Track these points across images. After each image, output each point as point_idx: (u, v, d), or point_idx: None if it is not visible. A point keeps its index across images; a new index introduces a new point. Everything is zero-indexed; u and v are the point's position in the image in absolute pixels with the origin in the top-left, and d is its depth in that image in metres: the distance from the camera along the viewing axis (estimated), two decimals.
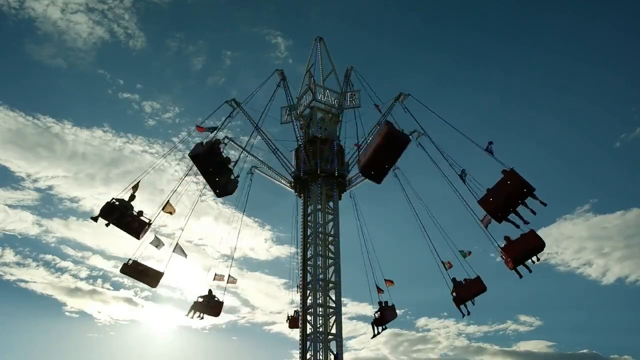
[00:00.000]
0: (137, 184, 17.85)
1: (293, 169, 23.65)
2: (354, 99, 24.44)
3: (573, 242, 58.15)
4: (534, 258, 16.44)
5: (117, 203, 17.27)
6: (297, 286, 22.11)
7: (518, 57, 65.01)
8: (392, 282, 22.15)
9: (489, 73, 68.64)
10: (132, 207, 17.54)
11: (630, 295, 56.61)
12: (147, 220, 17.80)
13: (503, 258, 16.89)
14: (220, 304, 20.75)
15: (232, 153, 23.90)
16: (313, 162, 22.86)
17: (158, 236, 18.78)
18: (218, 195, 17.42)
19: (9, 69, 55.78)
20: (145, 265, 18.55)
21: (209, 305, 20.42)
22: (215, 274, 21.25)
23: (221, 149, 16.99)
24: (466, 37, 69.00)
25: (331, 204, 22.99)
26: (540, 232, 16.34)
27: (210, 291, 20.82)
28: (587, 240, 57.12)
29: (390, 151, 15.35)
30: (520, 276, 16.77)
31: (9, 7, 50.70)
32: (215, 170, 16.73)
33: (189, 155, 16.85)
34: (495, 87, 67.61)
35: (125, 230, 17.50)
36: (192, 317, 20.37)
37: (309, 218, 22.55)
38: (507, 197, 15.52)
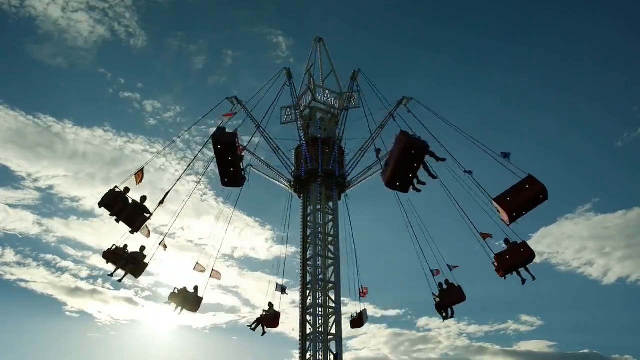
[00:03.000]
0: (142, 169, 17.64)
1: (293, 169, 23.67)
2: (353, 100, 24.45)
3: (574, 242, 58.15)
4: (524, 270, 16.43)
5: (118, 191, 16.85)
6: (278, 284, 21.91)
7: (518, 57, 64.96)
8: (438, 271, 20.26)
9: (489, 73, 68.60)
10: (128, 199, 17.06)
11: (632, 295, 56.56)
12: (148, 214, 17.22)
13: (495, 265, 16.76)
14: (278, 315, 21.23)
15: None
16: (313, 162, 22.86)
17: (200, 264, 19.30)
18: (226, 184, 17.22)
19: (10, 68, 55.81)
20: (190, 292, 18.88)
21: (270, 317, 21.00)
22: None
23: (237, 144, 16.86)
24: (466, 37, 69.01)
25: (331, 204, 23.03)
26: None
27: (196, 288, 19.96)
28: (588, 239, 57.09)
29: (412, 160, 15.18)
30: (523, 282, 16.64)
31: (10, 6, 50.75)
32: (232, 159, 16.51)
33: (212, 137, 16.46)
34: (495, 87, 67.58)
35: (125, 222, 16.86)
36: (254, 330, 21.11)
37: (308, 218, 22.59)
38: (526, 201, 15.22)
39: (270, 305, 21.44)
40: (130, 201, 16.77)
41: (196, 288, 19.38)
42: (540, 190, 15.10)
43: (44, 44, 54.51)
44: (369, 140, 22.78)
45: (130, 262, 17.31)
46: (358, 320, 22.36)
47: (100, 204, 16.42)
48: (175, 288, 18.99)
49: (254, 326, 21.22)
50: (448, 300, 19.16)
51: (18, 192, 51.13)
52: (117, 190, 16.64)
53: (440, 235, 20.69)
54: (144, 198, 17.13)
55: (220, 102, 21.51)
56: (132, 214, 16.71)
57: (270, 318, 21.11)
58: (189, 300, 18.98)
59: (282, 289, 21.79)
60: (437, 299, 19.38)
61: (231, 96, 21.79)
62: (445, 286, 19.46)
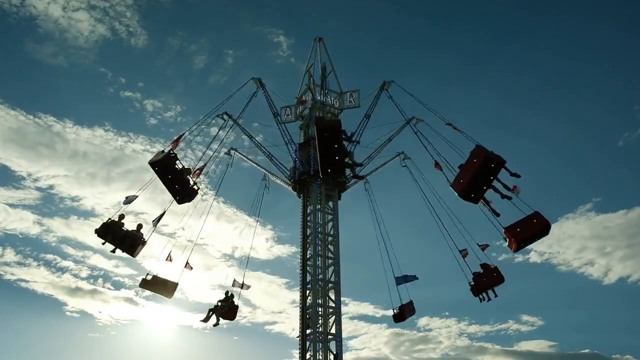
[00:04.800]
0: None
1: (291, 170, 23.65)
2: (353, 99, 24.46)
3: (575, 242, 58.01)
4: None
5: (109, 222, 17.39)
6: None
7: (519, 57, 64.83)
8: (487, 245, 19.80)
9: (489, 73, 68.50)
10: (122, 225, 17.64)
11: (632, 295, 56.43)
12: (144, 240, 17.87)
13: (506, 239, 16.82)
14: (236, 308, 20.63)
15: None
16: (312, 162, 22.85)
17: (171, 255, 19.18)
18: (178, 202, 17.43)
19: (10, 67, 55.73)
20: (163, 278, 18.78)
21: (224, 309, 20.35)
22: (235, 280, 20.92)
23: (176, 163, 16.84)
24: (466, 37, 68.90)
25: (330, 203, 23.02)
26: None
27: (227, 293, 20.56)
28: (589, 239, 56.98)
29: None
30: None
31: (10, 5, 50.73)
32: (173, 178, 16.73)
33: (148, 162, 16.68)
34: (495, 87, 67.48)
35: (121, 249, 17.50)
36: (206, 322, 20.14)
37: (308, 218, 22.59)
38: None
39: (226, 294, 20.39)
40: (124, 231, 17.43)
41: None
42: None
43: (45, 43, 54.49)
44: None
45: (126, 240, 17.44)
46: (399, 315, 21.87)
47: (97, 233, 17.10)
48: (147, 274, 18.79)
49: (204, 317, 19.99)
50: (483, 284, 18.93)
51: (18, 192, 51.15)
52: (110, 221, 17.34)
53: (440, 235, 20.70)
54: (139, 226, 17.89)
55: (211, 119, 21.02)
56: (128, 241, 17.43)
57: (226, 310, 20.15)
58: (163, 285, 18.90)
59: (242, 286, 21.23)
60: (472, 283, 19.27)
61: (222, 112, 21.34)
62: (481, 270, 19.19)
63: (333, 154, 16.33)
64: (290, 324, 55.19)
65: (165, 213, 18.34)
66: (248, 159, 23.61)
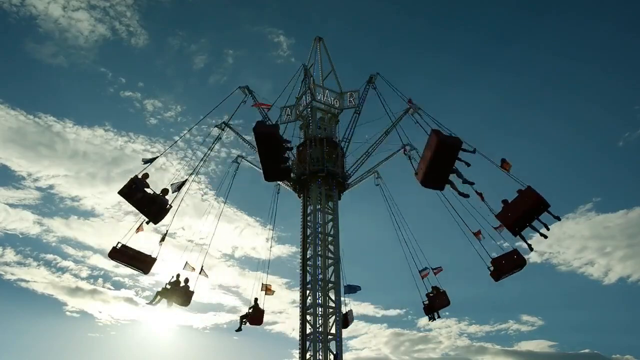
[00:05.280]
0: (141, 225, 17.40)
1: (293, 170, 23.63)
2: (353, 99, 24.45)
3: (575, 242, 58.13)
4: (544, 232, 15.84)
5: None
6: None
7: (519, 57, 64.98)
8: (440, 268, 22.03)
9: (489, 73, 68.65)
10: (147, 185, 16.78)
11: (632, 295, 56.59)
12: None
13: (490, 270, 17.63)
14: (262, 312, 21.13)
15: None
16: (312, 162, 22.84)
17: (189, 263, 19.19)
18: (270, 178, 16.37)
19: (10, 67, 55.87)
20: (136, 250, 17.61)
21: (254, 316, 20.89)
22: (187, 263, 19.50)
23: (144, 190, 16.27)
24: (467, 38, 69.00)
25: (331, 203, 23.00)
26: (542, 231, 16.01)
27: (256, 300, 21.26)
28: (589, 239, 57.09)
29: (445, 158, 15.12)
30: (530, 247, 16.65)
31: (10, 5, 50.76)
32: (276, 153, 15.43)
33: (253, 130, 15.32)
34: (495, 87, 67.57)
35: (145, 212, 16.78)
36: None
37: (308, 218, 22.56)
38: (525, 213, 15.52)
39: (256, 301, 21.33)
40: (150, 192, 16.53)
41: (187, 280, 19.11)
42: (536, 201, 15.38)
43: (45, 43, 54.60)
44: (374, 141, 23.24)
45: (153, 203, 16.33)
46: (344, 322, 22.15)
47: (120, 193, 16.17)
48: (167, 283, 18.65)
49: (241, 325, 20.88)
50: (436, 305, 21.50)
51: (18, 192, 51.26)
52: (136, 177, 16.34)
53: (441, 235, 20.79)
54: (165, 190, 16.99)
55: (233, 91, 22.28)
56: (155, 205, 16.54)
57: (255, 315, 21.02)
58: (180, 294, 18.69)
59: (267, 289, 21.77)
60: (427, 303, 21.57)
61: (243, 85, 22.51)
62: (432, 292, 21.62)
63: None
64: (290, 324, 55.31)
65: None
66: (253, 164, 23.52)
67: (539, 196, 15.26)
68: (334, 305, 21.04)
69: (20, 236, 52.80)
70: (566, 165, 63.40)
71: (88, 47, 55.99)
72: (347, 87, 25.34)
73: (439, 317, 21.96)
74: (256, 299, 21.35)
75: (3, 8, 50.70)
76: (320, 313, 20.67)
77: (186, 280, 19.10)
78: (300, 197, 23.49)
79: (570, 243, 57.90)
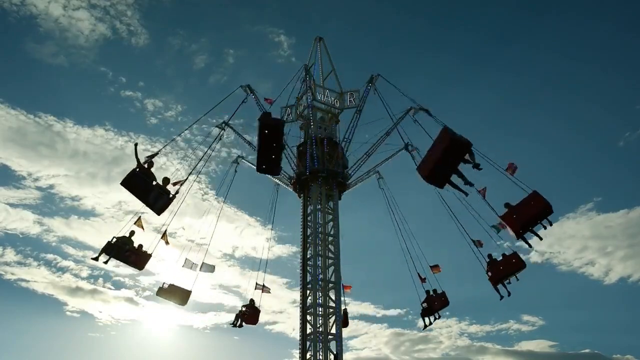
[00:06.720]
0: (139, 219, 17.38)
1: (293, 169, 23.63)
2: (353, 99, 24.45)
3: (575, 241, 58.05)
4: (546, 224, 15.60)
5: (115, 241, 16.92)
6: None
7: (519, 57, 64.91)
8: (438, 267, 21.68)
9: (489, 73, 68.59)
10: (132, 242, 17.23)
11: (633, 294, 56.52)
12: (149, 253, 17.55)
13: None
14: (258, 312, 21.60)
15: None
16: (312, 162, 22.84)
17: (190, 259, 19.42)
18: (263, 170, 16.16)
19: (10, 67, 55.81)
20: (179, 287, 18.90)
21: (250, 313, 21.36)
22: (257, 284, 21.83)
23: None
24: (466, 37, 68.94)
25: (331, 203, 22.99)
26: (542, 231, 15.74)
27: (252, 300, 21.70)
28: (589, 239, 57.02)
29: (453, 157, 14.87)
30: (530, 245, 16.36)
31: (10, 4, 50.72)
32: (275, 147, 15.49)
33: (259, 119, 15.45)
34: (495, 87, 67.52)
35: (126, 264, 17.25)
36: (235, 325, 21.28)
37: (308, 218, 22.56)
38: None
39: (252, 301, 21.60)
40: (127, 247, 16.98)
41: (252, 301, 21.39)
42: (544, 206, 15.30)
43: (45, 43, 54.54)
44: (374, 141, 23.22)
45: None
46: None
47: (97, 258, 16.70)
48: (164, 283, 18.97)
49: (236, 322, 21.23)
50: (436, 307, 21.01)
51: (19, 192, 51.22)
52: (114, 240, 16.83)
53: (441, 235, 20.79)
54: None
55: (234, 90, 21.84)
56: (129, 257, 17.03)
57: (250, 314, 21.26)
58: (177, 294, 19.09)
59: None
60: (425, 305, 21.08)
61: (245, 84, 22.20)
62: (431, 293, 21.12)
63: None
64: (290, 324, 55.31)
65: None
66: (253, 164, 23.26)
67: (546, 202, 15.17)
68: (334, 305, 21.04)
69: (21, 236, 52.84)
70: (566, 165, 63.41)
71: (88, 46, 56.00)
72: (348, 87, 25.38)
73: (438, 317, 21.37)
74: (252, 300, 21.60)
75: (3, 7, 50.71)
76: (320, 313, 20.68)
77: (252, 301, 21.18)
78: (300, 197, 23.50)
79: (570, 243, 57.91)
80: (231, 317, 21.92)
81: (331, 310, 20.97)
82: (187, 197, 19.38)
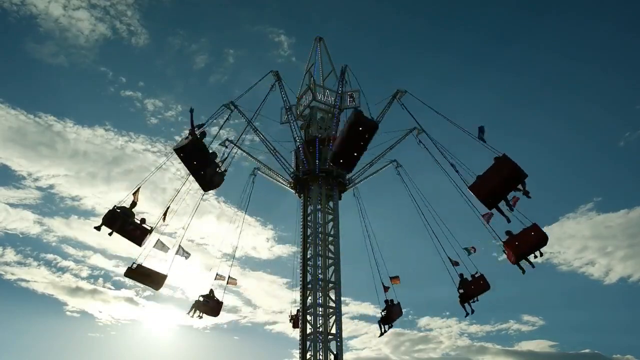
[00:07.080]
0: (138, 189, 17.77)
1: (293, 169, 23.64)
2: (353, 99, 24.42)
3: (576, 241, 58.09)
4: (537, 253, 16.28)
5: (119, 211, 17.18)
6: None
7: (519, 57, 64.96)
8: (397, 279, 22.25)
9: (489, 73, 68.62)
10: (133, 215, 17.49)
11: (633, 294, 56.58)
12: (149, 228, 17.76)
13: (505, 253, 16.99)
14: (219, 304, 20.85)
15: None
16: (313, 162, 22.84)
17: (162, 240, 18.78)
18: (204, 189, 17.12)
19: (10, 67, 55.93)
20: (150, 269, 18.46)
21: (209, 305, 20.52)
22: (217, 274, 21.60)
23: (205, 144, 16.57)
24: (467, 37, 68.98)
25: (331, 204, 23.00)
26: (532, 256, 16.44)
27: (211, 291, 20.95)
28: (590, 239, 57.05)
29: (359, 138, 15.50)
30: (523, 271, 16.67)
31: (11, 4, 50.75)
32: (199, 163, 16.27)
33: (173, 149, 16.36)
34: (495, 87, 67.55)
35: (127, 238, 17.42)
36: (192, 316, 20.45)
37: (308, 218, 22.56)
38: (499, 184, 15.35)
39: (211, 291, 20.88)
40: (130, 220, 17.33)
41: (212, 291, 20.74)
42: (543, 238, 15.88)
43: (45, 43, 54.62)
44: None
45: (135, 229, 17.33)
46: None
47: (100, 227, 17.00)
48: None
49: (191, 314, 20.38)
50: (472, 291, 19.38)
51: (19, 192, 51.32)
52: (117, 209, 17.18)
53: (441, 233, 20.75)
54: (142, 220, 17.71)
55: (218, 109, 20.57)
56: (133, 231, 17.35)
57: (207, 305, 20.48)
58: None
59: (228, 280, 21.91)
60: (461, 291, 19.53)
61: (227, 102, 21.00)
62: (467, 277, 19.63)
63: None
64: (290, 324, 55.22)
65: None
66: (243, 150, 23.02)
67: (515, 165, 14.90)
68: (334, 305, 21.04)
69: (21, 236, 52.90)
70: (566, 165, 63.45)
71: (88, 46, 56.06)
72: (348, 87, 25.31)
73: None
74: (211, 290, 20.91)
75: (3, 7, 50.77)
76: (320, 313, 20.68)
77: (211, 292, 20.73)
78: (300, 197, 23.49)
79: (570, 243, 57.95)
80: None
81: (331, 310, 20.97)
82: (187, 198, 19.57)
